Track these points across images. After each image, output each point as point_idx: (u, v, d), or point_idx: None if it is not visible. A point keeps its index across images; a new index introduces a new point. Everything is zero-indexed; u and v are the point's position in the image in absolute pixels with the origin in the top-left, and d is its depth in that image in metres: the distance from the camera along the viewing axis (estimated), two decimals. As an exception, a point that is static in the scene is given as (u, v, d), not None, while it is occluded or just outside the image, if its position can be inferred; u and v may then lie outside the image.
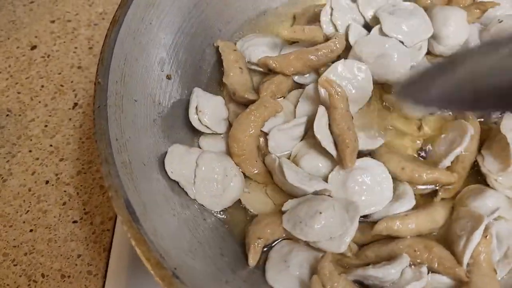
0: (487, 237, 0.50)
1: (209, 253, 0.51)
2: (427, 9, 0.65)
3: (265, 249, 0.54)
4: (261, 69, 0.66)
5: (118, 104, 0.52)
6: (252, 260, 0.52)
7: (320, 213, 0.51)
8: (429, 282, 0.50)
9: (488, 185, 0.55)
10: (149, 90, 0.58)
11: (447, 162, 0.55)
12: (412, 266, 0.50)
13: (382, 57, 0.61)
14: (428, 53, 0.65)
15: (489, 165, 0.54)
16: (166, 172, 0.55)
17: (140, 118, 0.55)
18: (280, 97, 0.63)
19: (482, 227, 0.48)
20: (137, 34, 0.58)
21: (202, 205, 0.56)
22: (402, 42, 0.62)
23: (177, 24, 0.64)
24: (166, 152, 0.57)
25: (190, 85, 0.65)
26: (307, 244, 0.53)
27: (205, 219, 0.55)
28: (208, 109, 0.61)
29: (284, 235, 0.54)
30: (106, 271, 0.66)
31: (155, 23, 0.60)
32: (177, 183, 0.56)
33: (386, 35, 0.62)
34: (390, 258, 0.51)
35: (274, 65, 0.62)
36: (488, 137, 0.57)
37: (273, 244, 0.55)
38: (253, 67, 0.67)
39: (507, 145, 0.52)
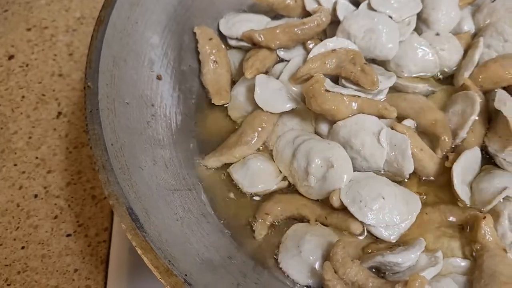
0: (485, 218, 0.49)
1: (217, 256, 0.48)
2: None
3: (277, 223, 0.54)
4: (247, 45, 0.64)
5: (110, 107, 0.50)
6: (258, 233, 0.52)
7: (383, 198, 0.50)
8: (444, 266, 0.49)
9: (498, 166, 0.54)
10: (141, 92, 0.56)
11: (463, 133, 0.55)
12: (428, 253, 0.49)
13: (371, 32, 0.60)
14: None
15: (494, 144, 0.54)
16: (165, 174, 0.53)
17: (133, 121, 0.53)
18: (265, 72, 0.62)
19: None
20: (124, 34, 0.55)
21: (204, 205, 0.54)
22: (391, 17, 0.61)
23: (163, 23, 0.62)
24: (162, 155, 0.55)
25: (181, 85, 0.63)
26: (321, 228, 0.52)
27: (209, 221, 0.53)
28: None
29: (296, 214, 0.54)
30: (105, 283, 0.64)
31: (140, 22, 0.58)
32: (177, 186, 0.53)
33: (374, 10, 0.62)
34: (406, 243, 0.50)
35: (259, 38, 0.61)
36: (492, 117, 0.56)
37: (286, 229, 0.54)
38: (240, 43, 0.65)
39: (506, 119, 0.52)
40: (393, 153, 0.53)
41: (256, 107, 0.59)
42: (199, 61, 0.66)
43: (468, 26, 0.64)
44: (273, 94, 0.58)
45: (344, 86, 0.58)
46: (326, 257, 0.49)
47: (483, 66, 0.58)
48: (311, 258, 0.50)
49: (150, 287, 0.61)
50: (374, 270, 0.50)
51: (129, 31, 0.56)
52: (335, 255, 0.47)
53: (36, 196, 0.72)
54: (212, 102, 0.62)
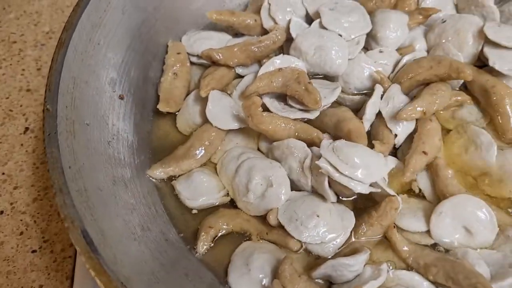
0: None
1: (173, 274, 0.50)
2: (371, 13, 0.67)
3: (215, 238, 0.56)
4: (208, 62, 0.66)
5: (70, 129, 0.51)
6: (200, 247, 0.54)
7: (318, 216, 0.53)
8: (390, 278, 0.51)
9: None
10: (102, 112, 0.57)
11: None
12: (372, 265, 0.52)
13: (321, 49, 0.63)
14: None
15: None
16: (125, 193, 0.54)
17: (93, 142, 0.54)
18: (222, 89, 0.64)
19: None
20: (85, 56, 0.56)
21: (164, 222, 0.56)
22: (341, 35, 0.64)
23: (126, 43, 0.63)
24: (122, 175, 0.56)
25: (145, 103, 0.64)
26: (268, 245, 0.55)
27: (167, 239, 0.54)
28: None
29: (238, 228, 0.56)
30: (70, 300, 0.64)
31: (103, 43, 0.59)
32: (136, 205, 0.55)
33: (325, 29, 0.64)
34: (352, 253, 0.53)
35: (218, 57, 0.63)
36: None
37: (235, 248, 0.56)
38: (201, 60, 0.67)
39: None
40: (316, 182, 0.56)
41: (205, 121, 0.61)
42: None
43: (420, 45, 0.67)
44: (224, 110, 0.60)
45: (290, 106, 0.60)
46: (275, 273, 0.51)
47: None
48: (260, 275, 0.52)
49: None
50: (322, 282, 0.52)
51: (91, 53, 0.58)
52: (283, 272, 0.49)
53: (2, 212, 0.72)
54: (158, 107, 0.63)
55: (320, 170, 0.52)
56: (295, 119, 0.59)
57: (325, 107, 0.61)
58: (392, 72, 0.65)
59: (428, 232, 0.55)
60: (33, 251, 0.69)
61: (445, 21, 0.66)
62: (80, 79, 0.55)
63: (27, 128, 0.80)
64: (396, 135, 0.59)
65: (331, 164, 0.52)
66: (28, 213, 0.72)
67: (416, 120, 0.59)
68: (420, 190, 0.59)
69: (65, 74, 0.53)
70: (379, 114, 0.59)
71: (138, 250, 0.49)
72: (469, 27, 0.64)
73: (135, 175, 0.58)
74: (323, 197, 0.56)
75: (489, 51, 0.62)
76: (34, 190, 0.74)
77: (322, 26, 0.65)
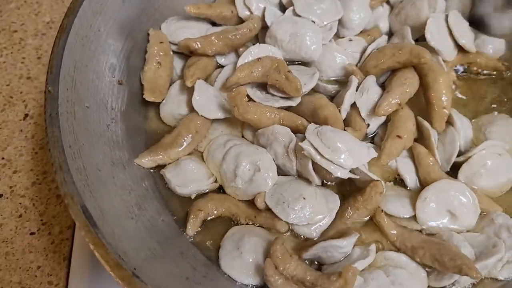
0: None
1: (168, 252, 0.52)
2: None
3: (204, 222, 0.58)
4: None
5: (70, 111, 0.52)
6: (190, 230, 0.56)
7: (304, 198, 0.55)
8: (378, 258, 0.53)
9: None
10: (101, 96, 0.59)
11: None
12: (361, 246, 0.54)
13: (296, 36, 0.64)
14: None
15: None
16: (123, 175, 0.56)
17: (93, 124, 0.56)
18: (205, 79, 0.65)
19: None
20: (86, 41, 0.58)
21: (159, 204, 0.57)
22: (314, 22, 0.66)
23: (126, 30, 0.64)
24: (121, 157, 0.57)
25: (142, 90, 0.66)
26: (257, 228, 0.56)
27: (163, 220, 0.56)
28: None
29: (227, 212, 0.58)
30: (67, 280, 0.66)
31: (103, 30, 0.61)
32: (134, 186, 0.56)
33: (299, 16, 0.66)
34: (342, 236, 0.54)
35: (195, 46, 0.64)
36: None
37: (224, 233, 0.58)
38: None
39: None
40: (300, 165, 0.57)
41: (191, 110, 0.62)
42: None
43: (384, 25, 0.70)
44: (210, 100, 0.62)
45: (272, 94, 0.62)
46: (266, 255, 0.53)
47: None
48: (252, 258, 0.54)
49: (111, 284, 0.64)
50: (311, 263, 0.54)
51: (92, 38, 0.59)
52: (275, 252, 0.51)
53: (1, 195, 0.74)
54: (144, 97, 0.63)
55: (302, 152, 0.54)
56: (278, 108, 0.60)
57: (305, 93, 0.63)
58: (359, 61, 0.67)
59: (414, 217, 0.57)
60: (32, 233, 0.70)
61: (402, 1, 0.69)
62: (81, 63, 0.57)
63: (26, 115, 0.82)
64: (368, 125, 0.61)
65: (313, 147, 0.54)
66: (27, 197, 0.73)
67: None
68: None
69: (66, 58, 0.55)
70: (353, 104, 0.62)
71: (135, 228, 0.51)
72: None
73: (133, 158, 0.59)
74: (308, 181, 0.57)
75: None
76: (33, 174, 0.76)
77: (296, 14, 0.67)
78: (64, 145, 0.49)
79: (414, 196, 0.58)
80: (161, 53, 0.66)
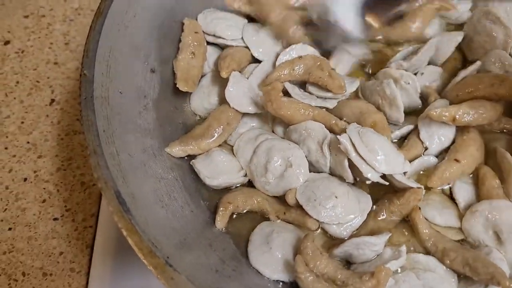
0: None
1: (198, 243, 0.51)
2: None
3: (234, 215, 0.57)
4: (223, 42, 0.67)
5: (104, 95, 0.52)
6: (220, 222, 0.55)
7: (336, 197, 0.53)
8: (408, 261, 0.52)
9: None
10: (134, 83, 0.58)
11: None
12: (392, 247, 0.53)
13: None
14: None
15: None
16: (154, 163, 0.55)
17: (126, 111, 0.55)
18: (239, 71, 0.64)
19: None
20: (121, 27, 0.57)
21: (189, 195, 0.57)
22: None
23: (160, 18, 0.64)
24: (151, 145, 0.57)
25: (175, 79, 0.65)
26: (286, 224, 0.55)
27: (192, 210, 0.55)
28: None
29: (256, 207, 0.57)
30: (89, 267, 0.65)
31: (139, 16, 0.60)
32: (164, 175, 0.56)
33: None
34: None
35: None
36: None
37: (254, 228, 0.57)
38: (219, 40, 0.67)
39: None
40: (334, 162, 0.56)
41: (222, 102, 0.61)
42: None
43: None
44: (243, 93, 0.61)
45: (310, 93, 0.61)
46: (296, 251, 0.52)
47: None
48: (281, 253, 0.53)
49: (133, 272, 0.63)
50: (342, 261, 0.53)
51: (127, 24, 0.58)
52: (305, 248, 0.50)
53: (25, 179, 0.73)
54: (177, 86, 0.62)
55: (338, 146, 0.53)
56: (313, 106, 0.59)
57: (344, 97, 0.62)
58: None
59: (449, 228, 0.56)
60: (55, 219, 0.70)
61: None
62: (116, 49, 0.56)
63: (53, 100, 0.81)
64: (426, 148, 0.59)
65: (351, 142, 0.52)
66: (51, 182, 0.73)
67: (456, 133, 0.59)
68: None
69: (102, 43, 0.54)
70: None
71: (165, 217, 0.50)
72: None
73: (163, 147, 0.58)
74: (341, 179, 0.56)
75: None
76: (58, 160, 0.75)
77: None
78: (98, 129, 0.48)
79: (449, 208, 0.56)
80: (195, 43, 0.65)
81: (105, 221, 0.68)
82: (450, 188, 0.58)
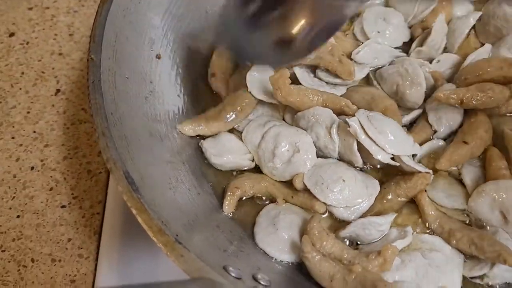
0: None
1: (205, 224, 0.52)
2: None
3: (243, 198, 0.58)
4: None
5: (111, 80, 0.52)
6: (227, 207, 0.56)
7: (344, 180, 0.54)
8: (414, 241, 0.53)
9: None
10: (140, 69, 0.59)
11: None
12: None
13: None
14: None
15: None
16: (161, 147, 0.55)
17: (132, 95, 0.55)
18: None
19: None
20: (127, 13, 0.58)
21: (196, 178, 0.57)
22: None
23: (164, 5, 0.64)
24: (158, 129, 0.57)
25: (178, 66, 0.65)
26: (293, 206, 0.56)
27: (199, 193, 0.56)
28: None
29: (263, 192, 0.57)
30: (97, 253, 0.66)
31: (143, 3, 0.61)
32: (171, 159, 0.56)
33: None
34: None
35: None
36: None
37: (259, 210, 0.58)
38: None
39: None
40: (343, 146, 0.57)
41: (235, 90, 0.62)
42: (196, 46, 0.69)
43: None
44: (262, 81, 0.61)
45: (320, 79, 0.61)
46: (302, 232, 0.52)
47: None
48: (287, 234, 0.53)
49: (141, 257, 0.64)
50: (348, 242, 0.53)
51: (132, 10, 0.59)
52: (311, 229, 0.50)
53: (32, 168, 0.74)
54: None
55: (348, 129, 0.53)
56: (322, 91, 0.60)
57: (354, 84, 0.63)
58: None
59: (455, 210, 0.56)
60: (62, 206, 0.71)
61: None
62: (122, 34, 0.56)
63: (58, 90, 0.82)
64: (435, 131, 0.59)
65: (360, 125, 0.53)
66: (58, 170, 0.74)
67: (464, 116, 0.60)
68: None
69: (108, 28, 0.54)
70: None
71: (173, 199, 0.51)
72: None
73: (169, 131, 0.59)
74: (349, 164, 0.57)
75: None
76: (65, 149, 0.76)
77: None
78: (106, 112, 0.49)
79: (457, 190, 0.57)
80: None
81: (112, 208, 0.69)
82: (459, 170, 0.59)
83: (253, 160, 0.60)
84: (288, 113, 0.62)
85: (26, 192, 0.72)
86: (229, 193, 0.56)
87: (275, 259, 0.53)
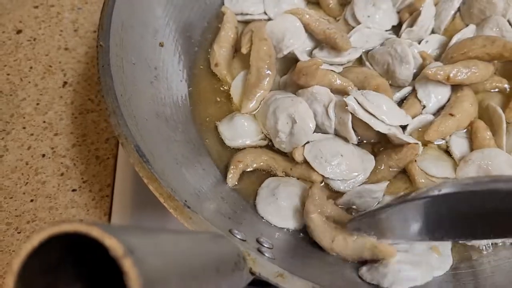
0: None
1: (211, 196, 0.55)
2: None
3: (248, 169, 0.62)
4: (251, 18, 0.71)
5: (119, 65, 0.56)
6: (231, 179, 0.60)
7: (341, 155, 0.58)
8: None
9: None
10: (145, 55, 0.63)
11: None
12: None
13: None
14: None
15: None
16: (166, 127, 0.59)
17: (138, 79, 0.59)
18: None
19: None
20: (132, 4, 0.62)
21: (201, 155, 0.61)
22: None
23: (166, -4, 0.68)
24: (164, 111, 0.61)
25: (180, 54, 0.69)
26: (292, 179, 0.61)
27: (204, 169, 0.60)
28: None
29: (264, 165, 0.61)
30: (108, 233, 0.70)
31: (147, -7, 0.65)
32: (176, 138, 0.60)
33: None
34: None
35: None
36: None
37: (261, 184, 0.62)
38: (245, 17, 0.72)
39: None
40: (339, 123, 0.60)
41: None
42: (197, 35, 0.73)
43: None
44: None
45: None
46: (301, 200, 0.56)
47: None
48: (286, 203, 0.57)
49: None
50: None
51: (136, 1, 0.63)
52: (313, 194, 0.54)
53: (44, 155, 0.78)
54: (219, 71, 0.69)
55: (346, 107, 0.57)
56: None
57: (350, 63, 0.67)
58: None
59: (445, 179, 0.60)
60: (73, 190, 0.74)
61: None
62: (128, 24, 0.60)
63: (65, 82, 0.86)
64: (424, 106, 0.63)
65: (357, 102, 0.57)
66: (68, 157, 0.78)
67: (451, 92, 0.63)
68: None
69: (114, 17, 0.58)
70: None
71: (180, 173, 0.55)
72: None
73: (174, 113, 0.63)
74: (346, 140, 0.61)
75: None
76: (73, 137, 0.80)
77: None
78: (116, 93, 0.53)
79: (455, 164, 0.60)
80: (234, 37, 0.70)
81: (120, 190, 0.73)
82: (447, 143, 0.63)
83: (265, 139, 0.64)
84: (289, 88, 0.66)
85: (39, 178, 0.76)
86: (232, 167, 0.60)
87: (275, 225, 0.57)
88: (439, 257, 0.52)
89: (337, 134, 0.62)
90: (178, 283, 0.27)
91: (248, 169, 0.61)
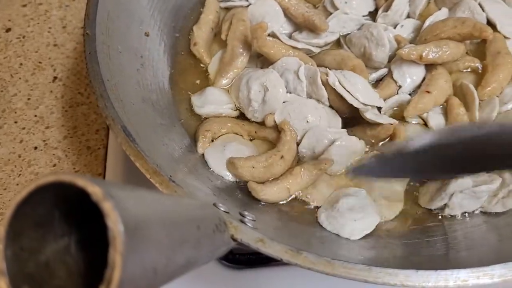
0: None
1: (197, 175, 0.58)
2: None
3: (213, 141, 0.65)
4: (233, 5, 0.74)
5: (106, 52, 0.59)
6: (201, 148, 0.63)
7: (307, 121, 0.62)
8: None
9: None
10: (131, 44, 0.65)
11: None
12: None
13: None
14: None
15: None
16: (152, 111, 0.62)
17: (125, 67, 0.62)
18: None
19: None
20: (117, -7, 0.64)
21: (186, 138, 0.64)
22: None
23: (151, -14, 0.71)
24: (150, 97, 0.64)
25: (166, 43, 0.72)
26: (249, 143, 0.65)
27: (190, 151, 0.62)
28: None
29: (230, 131, 0.65)
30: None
31: (131, -16, 0.67)
32: (162, 122, 0.63)
33: None
34: None
35: None
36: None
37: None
38: (227, 4, 0.74)
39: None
40: (310, 84, 0.63)
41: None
42: (181, 26, 0.75)
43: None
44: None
45: (296, 40, 0.68)
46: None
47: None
48: (230, 154, 0.62)
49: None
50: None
51: (122, -9, 0.65)
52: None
53: (36, 148, 0.80)
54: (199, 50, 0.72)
55: (327, 77, 0.60)
56: (295, 47, 0.66)
57: (327, 46, 0.70)
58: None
59: None
60: (65, 180, 0.76)
61: None
62: (113, 13, 0.63)
63: (55, 77, 0.88)
64: (400, 86, 0.66)
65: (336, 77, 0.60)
66: (60, 149, 0.80)
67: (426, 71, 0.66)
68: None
69: (100, 7, 0.61)
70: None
71: (167, 154, 0.57)
72: None
73: (160, 98, 0.65)
74: (317, 103, 0.63)
75: None
76: (64, 129, 0.82)
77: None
78: (103, 78, 0.55)
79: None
80: (215, 21, 0.73)
81: (111, 179, 0.75)
82: (424, 120, 0.65)
83: (235, 110, 0.67)
84: (261, 62, 0.70)
85: (32, 169, 0.78)
86: (201, 136, 0.63)
87: (213, 170, 0.62)
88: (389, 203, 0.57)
89: (309, 97, 0.65)
90: (159, 231, 0.29)
91: (215, 137, 0.64)
